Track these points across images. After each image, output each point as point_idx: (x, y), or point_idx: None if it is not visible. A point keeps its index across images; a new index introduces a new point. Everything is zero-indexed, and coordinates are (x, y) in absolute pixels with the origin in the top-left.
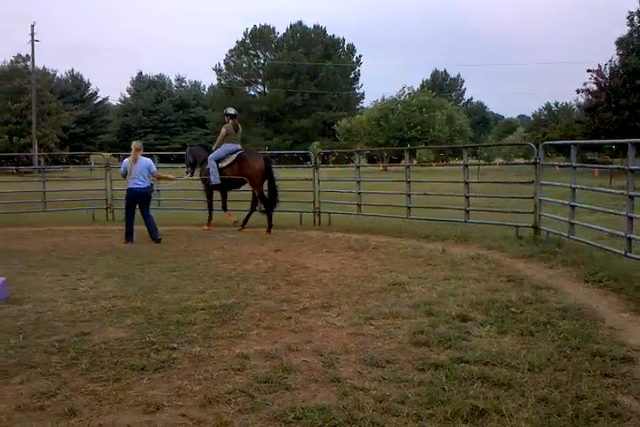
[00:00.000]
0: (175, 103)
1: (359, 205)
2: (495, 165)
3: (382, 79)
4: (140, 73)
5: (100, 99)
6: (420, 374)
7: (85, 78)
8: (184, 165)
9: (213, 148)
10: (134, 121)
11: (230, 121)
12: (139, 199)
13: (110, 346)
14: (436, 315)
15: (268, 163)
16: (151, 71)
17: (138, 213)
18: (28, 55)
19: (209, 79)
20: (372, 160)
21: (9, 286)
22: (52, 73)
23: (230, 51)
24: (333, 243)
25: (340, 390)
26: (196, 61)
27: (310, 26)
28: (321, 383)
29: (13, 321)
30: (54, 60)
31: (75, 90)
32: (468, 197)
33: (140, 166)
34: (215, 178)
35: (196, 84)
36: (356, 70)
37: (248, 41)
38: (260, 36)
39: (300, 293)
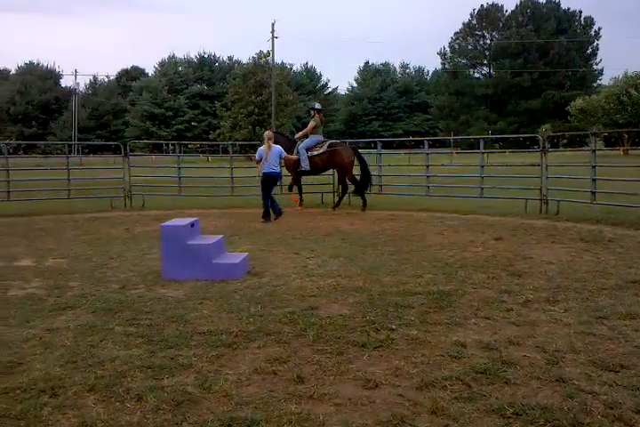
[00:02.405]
0: (399, 90)
1: (593, 193)
2: None
3: (626, 53)
4: (367, 62)
5: (330, 89)
6: None
7: (318, 70)
8: (404, 152)
9: (298, 137)
10: (360, 109)
11: (317, 115)
12: (273, 182)
13: (334, 321)
14: None
15: (357, 152)
16: (377, 60)
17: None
18: (268, 51)
19: (432, 64)
20: (609, 143)
21: (251, 260)
22: (289, 67)
23: (456, 33)
24: (561, 233)
25: (565, 391)
26: (421, 47)
27: (542, 0)
28: (543, 381)
29: (254, 292)
30: (291, 54)
31: (308, 82)
32: None
33: (273, 153)
34: (306, 165)
35: (419, 70)
36: (594, 45)
37: (475, 22)
38: (487, 16)
39: (522, 284)
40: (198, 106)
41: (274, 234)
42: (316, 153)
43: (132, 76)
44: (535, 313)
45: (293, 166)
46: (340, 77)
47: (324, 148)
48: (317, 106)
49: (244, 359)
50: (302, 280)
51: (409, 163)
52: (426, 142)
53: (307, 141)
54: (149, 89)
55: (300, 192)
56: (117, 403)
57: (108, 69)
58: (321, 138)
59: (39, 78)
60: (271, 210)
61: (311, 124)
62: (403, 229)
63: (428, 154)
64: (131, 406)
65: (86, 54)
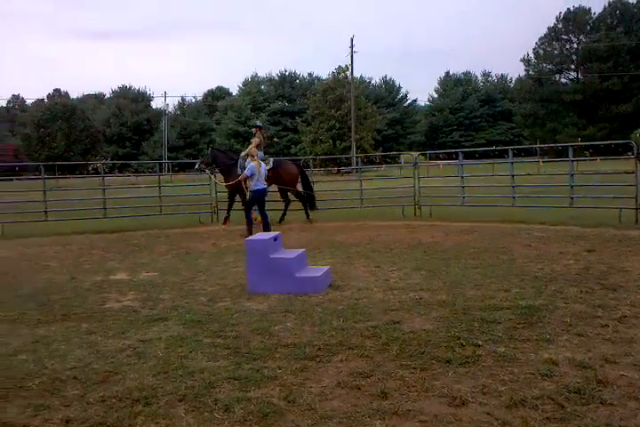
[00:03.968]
0: (481, 98)
1: None
2: None
3: None
4: (447, 72)
5: (409, 101)
6: None
7: (397, 82)
8: (400, 162)
9: (242, 154)
10: (441, 120)
11: (259, 132)
12: (264, 197)
13: (418, 336)
14: None
15: (300, 168)
16: (458, 69)
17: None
18: (347, 66)
19: (515, 71)
20: None
21: (332, 274)
22: (367, 80)
23: (540, 38)
24: None
25: None
26: (503, 55)
27: (633, 0)
28: None
29: (336, 305)
30: (369, 67)
31: (387, 94)
32: None
33: (262, 169)
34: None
35: (502, 78)
36: None
37: (560, 26)
38: (573, 19)
39: (617, 299)
40: (280, 122)
41: (354, 247)
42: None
43: (217, 96)
44: (632, 330)
45: (235, 184)
46: (420, 89)
47: (270, 164)
48: (259, 123)
49: (328, 373)
50: (384, 294)
51: (493, 173)
52: (510, 151)
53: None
54: (234, 108)
55: (230, 209)
56: (206, 413)
57: (195, 90)
58: (262, 155)
59: (132, 101)
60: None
61: (254, 141)
62: (487, 241)
63: (512, 163)
64: (219, 417)
65: (175, 76)
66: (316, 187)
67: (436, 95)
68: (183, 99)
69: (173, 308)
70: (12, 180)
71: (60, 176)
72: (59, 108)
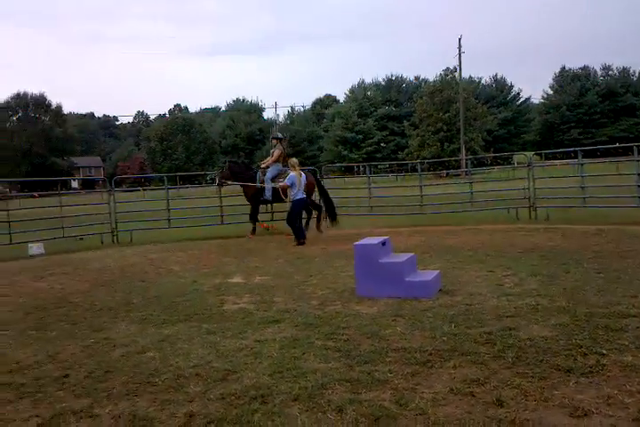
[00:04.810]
0: (601, 93)
1: None
2: None
3: None
4: (563, 68)
5: (522, 99)
6: None
7: (508, 81)
8: (514, 163)
9: (264, 166)
10: (557, 117)
11: (279, 144)
12: (304, 207)
13: (535, 343)
14: None
15: (316, 178)
16: (575, 64)
17: None
18: (455, 67)
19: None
20: None
21: (443, 278)
22: (476, 80)
23: None
24: None
25: None
26: (624, 47)
27: None
28: None
29: (447, 310)
30: (478, 67)
31: (498, 93)
32: None
33: (302, 179)
34: (269, 195)
35: (624, 71)
36: None
37: None
38: None
39: None
40: (386, 127)
41: (466, 251)
42: (281, 182)
43: (325, 104)
44: None
45: (254, 195)
46: (533, 86)
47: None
48: (279, 135)
49: (440, 379)
50: (498, 299)
51: (617, 172)
52: (635, 148)
53: (271, 171)
54: (341, 115)
55: (255, 221)
56: (320, 413)
57: (304, 100)
58: (281, 167)
59: (245, 112)
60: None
61: (276, 153)
62: (611, 244)
63: (638, 161)
64: (332, 418)
65: (285, 87)
66: (424, 190)
67: (550, 92)
68: (292, 108)
69: (286, 310)
70: (138, 190)
71: (180, 186)
72: (179, 123)
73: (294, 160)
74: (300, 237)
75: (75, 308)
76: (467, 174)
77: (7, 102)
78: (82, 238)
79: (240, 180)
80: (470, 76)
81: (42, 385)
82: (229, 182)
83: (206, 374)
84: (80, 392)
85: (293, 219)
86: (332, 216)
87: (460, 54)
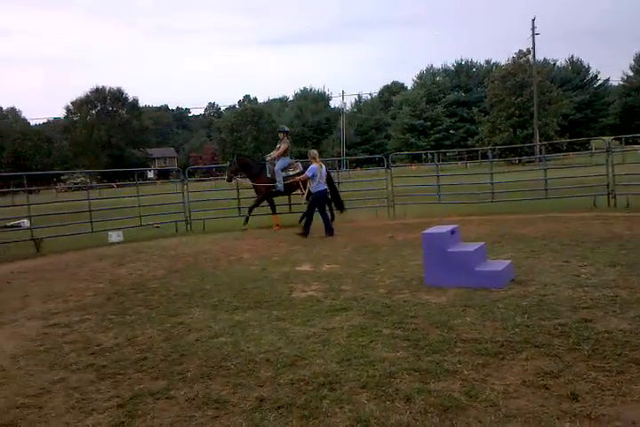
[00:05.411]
0: None
1: None
2: None
3: None
4: None
5: (600, 81)
6: None
7: (585, 63)
8: (591, 149)
9: (270, 159)
10: (638, 100)
11: (286, 137)
12: (324, 199)
13: (613, 336)
14: None
15: (327, 171)
16: None
17: None
18: (528, 49)
19: None
20: None
21: (515, 268)
22: (551, 63)
23: None
24: None
25: None
26: None
27: None
28: None
29: (519, 301)
30: (553, 49)
31: (574, 76)
32: None
33: (323, 171)
34: (281, 186)
35: None
36: None
37: None
38: None
39: None
40: (456, 113)
41: (539, 240)
42: (291, 173)
43: (392, 91)
44: None
45: (266, 187)
46: (612, 68)
47: (300, 168)
48: (285, 128)
49: (512, 370)
50: (573, 290)
51: None
52: None
53: (280, 163)
54: (408, 102)
55: (251, 211)
56: (388, 402)
57: (371, 87)
58: (289, 160)
59: (312, 102)
60: (306, 228)
61: (283, 147)
62: None
63: None
64: (400, 407)
65: (352, 75)
66: (495, 178)
67: (631, 73)
68: (360, 96)
69: (354, 299)
70: (209, 179)
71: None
72: (248, 113)
73: (315, 152)
74: (307, 230)
75: (152, 293)
76: (541, 161)
77: (87, 97)
78: (158, 227)
79: (250, 173)
80: (544, 59)
81: (121, 367)
82: (239, 178)
83: (276, 359)
84: (157, 375)
85: (312, 209)
86: (340, 206)
87: (533, 36)
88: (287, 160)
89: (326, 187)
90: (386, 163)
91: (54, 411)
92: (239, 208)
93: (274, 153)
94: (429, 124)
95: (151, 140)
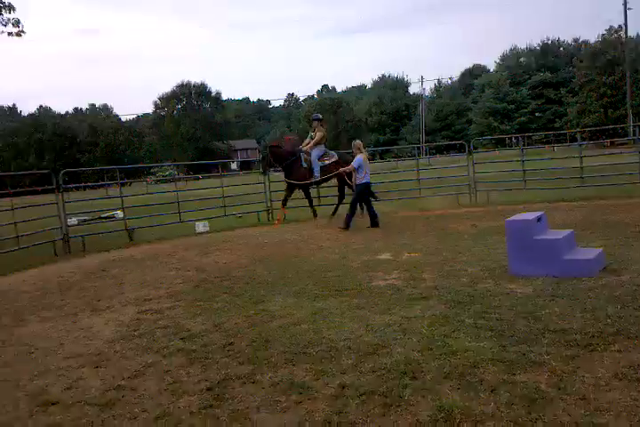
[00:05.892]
0: None
1: None
2: None
3: None
4: None
5: None
6: None
7: None
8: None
9: (307, 147)
10: None
11: (320, 125)
12: (368, 190)
13: None
14: None
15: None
16: None
17: None
18: (620, 26)
19: None
20: None
21: (607, 256)
22: None
23: None
24: None
25: None
26: None
27: None
28: None
29: (611, 291)
30: None
31: None
32: None
33: (368, 162)
34: (318, 174)
35: None
36: None
37: None
38: None
39: None
40: (542, 95)
41: (634, 228)
42: (327, 162)
43: (474, 74)
44: None
45: (303, 177)
46: None
47: (335, 157)
48: (320, 116)
49: (603, 363)
50: None
51: None
52: None
53: (316, 152)
54: (491, 84)
55: (285, 204)
56: (472, 393)
57: (451, 72)
58: (324, 148)
59: (390, 89)
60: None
61: (318, 135)
62: None
63: None
64: (484, 397)
65: (431, 60)
66: (584, 161)
67: None
68: (439, 81)
69: (435, 287)
70: None
71: None
72: (327, 103)
73: (359, 142)
74: (348, 224)
75: (236, 281)
76: (635, 143)
77: (173, 92)
78: (241, 216)
79: (285, 164)
80: (638, 34)
81: (209, 352)
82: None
83: (357, 347)
84: (243, 359)
85: (356, 202)
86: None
87: (625, 11)
88: (322, 149)
89: (369, 179)
90: (467, 148)
91: (148, 393)
92: (319, 197)
93: (308, 141)
94: (513, 106)
95: (234, 132)
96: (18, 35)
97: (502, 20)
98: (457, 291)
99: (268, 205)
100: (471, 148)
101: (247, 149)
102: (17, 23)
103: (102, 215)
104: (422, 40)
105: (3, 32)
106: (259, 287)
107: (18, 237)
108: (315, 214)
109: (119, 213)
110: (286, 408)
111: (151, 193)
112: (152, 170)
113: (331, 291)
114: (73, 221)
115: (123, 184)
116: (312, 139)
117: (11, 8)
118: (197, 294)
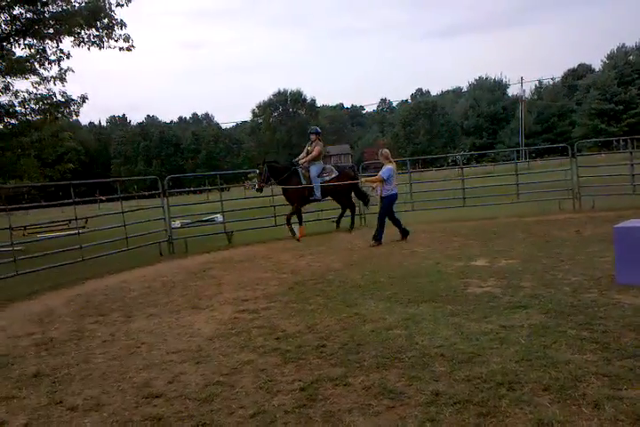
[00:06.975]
0: None
1: None
2: None
3: None
4: None
5: None
6: None
7: None
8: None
9: (303, 162)
10: None
11: (318, 139)
12: (393, 203)
13: None
14: None
15: (355, 173)
16: None
17: None
18: None
19: None
20: None
21: None
22: None
23: None
24: None
25: None
26: None
27: None
28: None
29: None
30: None
31: None
32: None
33: (397, 173)
34: (319, 193)
35: None
36: None
37: None
38: None
39: None
40: None
41: None
42: (327, 178)
43: (578, 74)
44: None
45: (301, 195)
46: None
47: (335, 171)
48: (318, 130)
49: None
50: None
51: None
52: None
53: (315, 169)
54: (597, 85)
55: (289, 222)
56: (573, 407)
57: (553, 72)
58: (323, 164)
59: (488, 91)
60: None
61: (317, 149)
62: None
63: None
64: (587, 412)
65: (531, 61)
66: None
67: None
68: (540, 82)
69: (534, 296)
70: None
71: (421, 169)
72: (421, 107)
73: (387, 151)
74: (379, 238)
75: (329, 284)
76: None
77: (270, 100)
78: (334, 221)
79: (282, 181)
80: None
81: (303, 353)
82: (269, 184)
83: (451, 355)
84: (335, 362)
85: (384, 215)
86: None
87: None
88: (321, 165)
89: (396, 191)
90: (570, 151)
91: (244, 390)
92: (412, 202)
93: (303, 156)
94: (622, 107)
95: (328, 138)
96: (128, 49)
97: (609, 17)
98: (558, 300)
99: (361, 209)
100: (575, 151)
101: (341, 155)
102: (127, 39)
103: (203, 219)
104: (521, 41)
105: (115, 47)
106: (351, 291)
107: (127, 238)
108: (292, 233)
109: (219, 217)
110: (378, 413)
111: (248, 198)
112: (250, 175)
113: (424, 297)
114: (176, 224)
115: (222, 189)
116: (308, 153)
117: (122, 25)
118: (291, 295)
